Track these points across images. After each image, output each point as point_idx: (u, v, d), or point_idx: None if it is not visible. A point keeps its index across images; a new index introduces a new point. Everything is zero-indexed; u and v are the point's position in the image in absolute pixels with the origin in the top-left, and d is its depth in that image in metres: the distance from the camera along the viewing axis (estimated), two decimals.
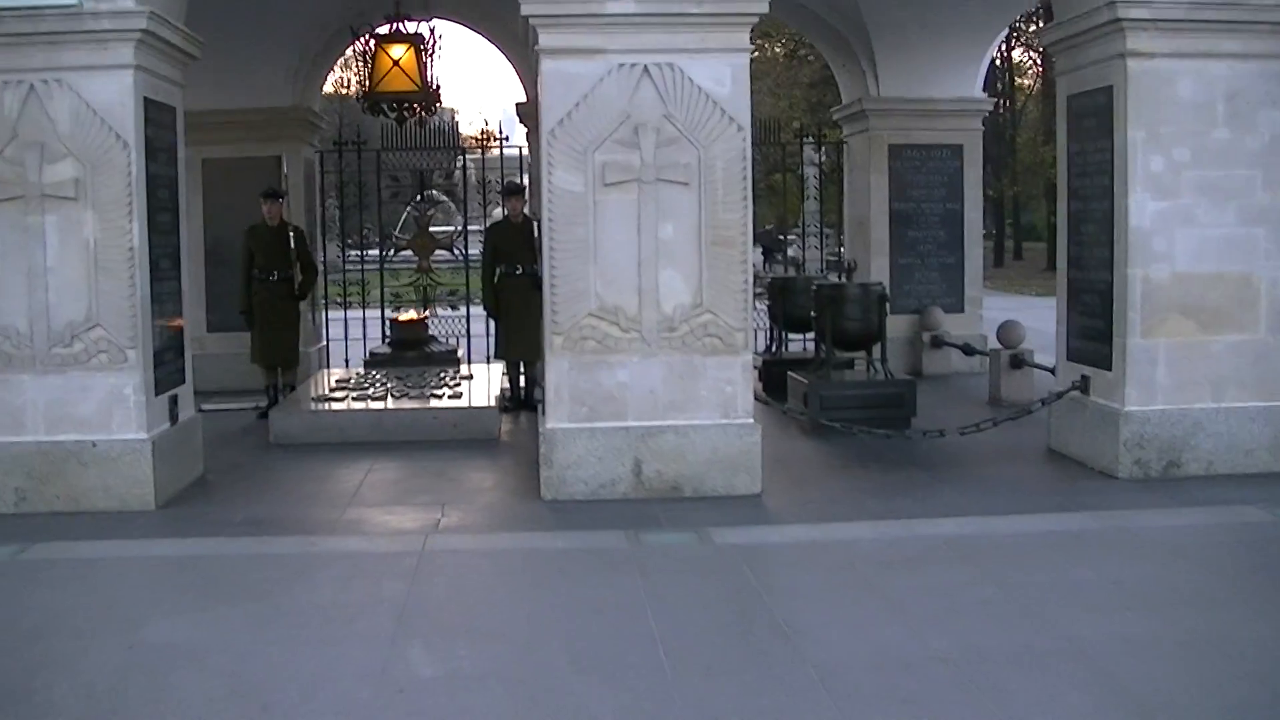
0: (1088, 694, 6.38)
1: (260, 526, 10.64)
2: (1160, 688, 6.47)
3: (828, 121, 33.60)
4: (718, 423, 11.07)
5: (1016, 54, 55.89)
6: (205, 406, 12.92)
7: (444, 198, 21.35)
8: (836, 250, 23.89)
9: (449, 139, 20.80)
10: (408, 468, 12.75)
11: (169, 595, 8.61)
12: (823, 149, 22.64)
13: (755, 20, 11.14)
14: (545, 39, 10.92)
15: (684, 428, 11.04)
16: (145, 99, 11.15)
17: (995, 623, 7.56)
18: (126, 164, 10.88)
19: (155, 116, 11.39)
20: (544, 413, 11.53)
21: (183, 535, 10.24)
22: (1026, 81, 61.31)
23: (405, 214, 23.96)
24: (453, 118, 20.35)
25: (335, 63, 21.82)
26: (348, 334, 19.10)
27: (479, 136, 19.19)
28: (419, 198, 19.37)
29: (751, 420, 11.18)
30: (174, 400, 11.80)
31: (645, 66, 10.87)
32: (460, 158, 20.34)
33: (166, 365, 11.63)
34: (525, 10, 10.88)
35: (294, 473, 12.71)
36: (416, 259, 18.75)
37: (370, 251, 21.70)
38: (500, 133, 19.10)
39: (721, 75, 10.96)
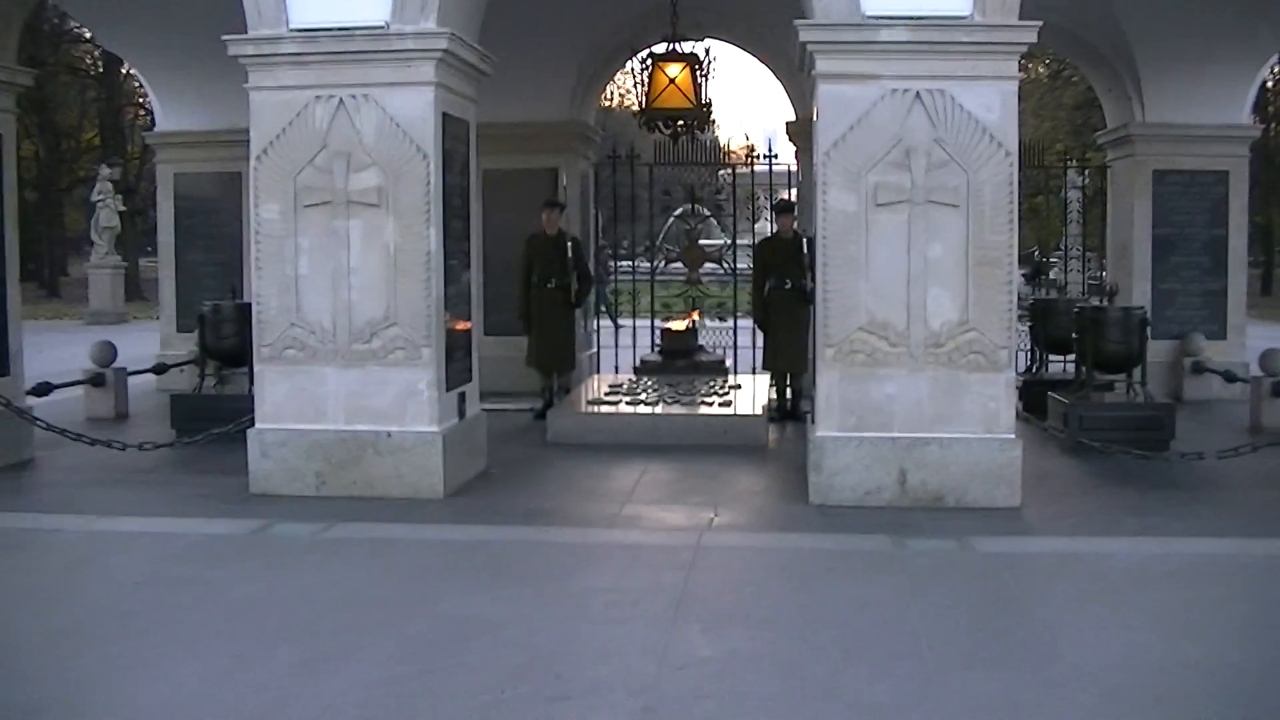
0: None
1: (542, 517, 11.34)
2: None
3: (1091, 145, 33.52)
4: (980, 437, 11.41)
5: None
6: (484, 406, 13.59)
7: (708, 212, 21.84)
8: (1097, 274, 23.91)
9: (718, 155, 21.38)
10: (680, 470, 13.31)
11: (462, 574, 9.31)
12: (1085, 173, 22.66)
13: (1024, 49, 11.45)
14: (822, 64, 11.42)
15: (947, 440, 11.41)
16: (443, 114, 11.92)
17: (1249, 637, 7.83)
18: (426, 174, 11.68)
19: (451, 130, 12.16)
20: (812, 422, 12.02)
21: (471, 522, 10.99)
22: None
23: (667, 226, 24.59)
24: (717, 134, 20.86)
25: (611, 79, 22.45)
26: (618, 341, 19.73)
27: (747, 153, 19.63)
28: (685, 211, 19.95)
29: (1013, 435, 11.50)
30: (462, 397, 12.55)
31: (917, 92, 11.28)
32: (729, 173, 20.75)
33: (456, 363, 12.38)
34: (803, 37, 11.40)
35: (571, 470, 13.38)
36: (686, 270, 19.34)
37: (641, 262, 22.32)
38: (770, 150, 19.55)
39: (991, 102, 11.32)
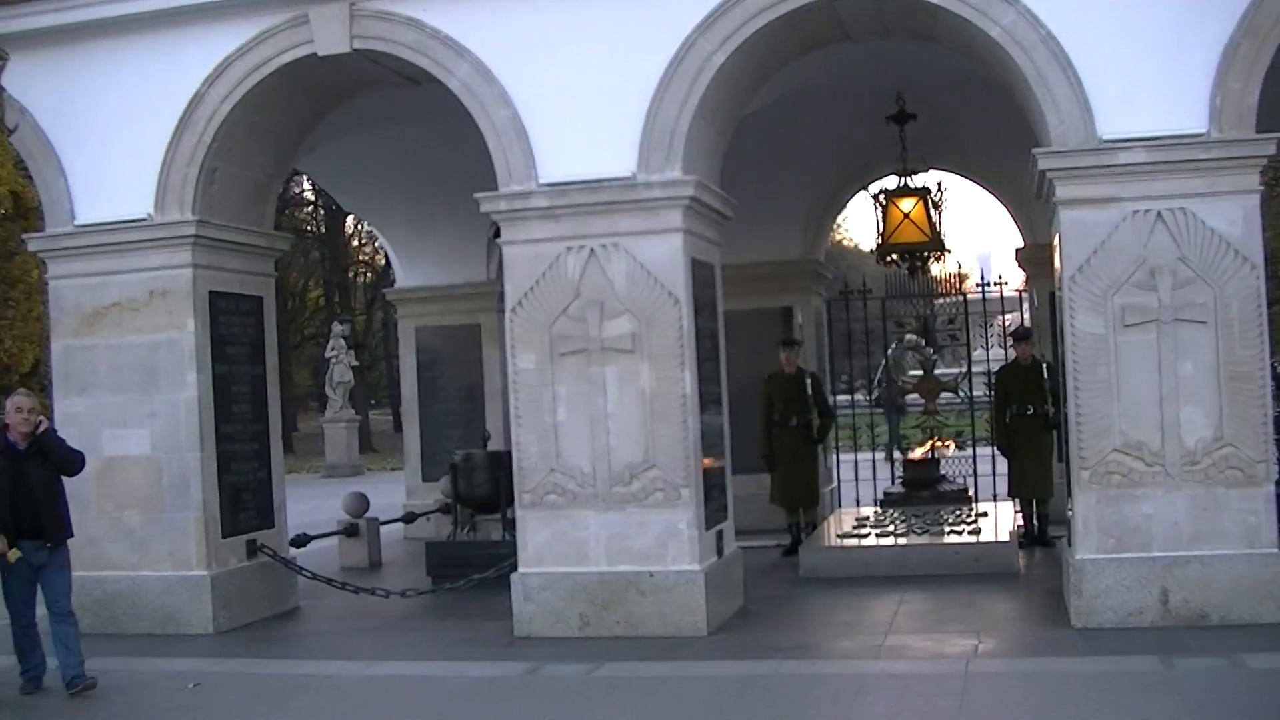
0: None
1: (807, 651, 11.50)
2: None
3: None
4: (1242, 552, 11.27)
5: None
6: None
7: (923, 342, 21.94)
8: None
9: (948, 284, 21.53)
10: (936, 599, 13.35)
11: (738, 709, 9.50)
12: None
13: (1264, 162, 11.49)
14: (1062, 191, 11.56)
15: (1208, 558, 11.29)
16: (691, 259, 12.26)
17: None
18: (678, 319, 12.02)
19: (699, 274, 12.50)
20: (1068, 545, 12.04)
21: (737, 658, 11.14)
22: None
23: (888, 356, 24.65)
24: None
25: (839, 214, 22.74)
26: (858, 474, 19.88)
27: (980, 283, 19.71)
28: (909, 341, 20.08)
29: (1277, 550, 11.35)
30: (720, 535, 12.78)
31: (1158, 212, 11.33)
32: (962, 301, 20.84)
33: (713, 502, 12.61)
34: (1042, 165, 11.56)
35: (828, 603, 13.50)
36: (923, 401, 19.42)
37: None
38: (1000, 278, 19.64)
39: (1233, 216, 11.34)
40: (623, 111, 12.14)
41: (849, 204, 22.27)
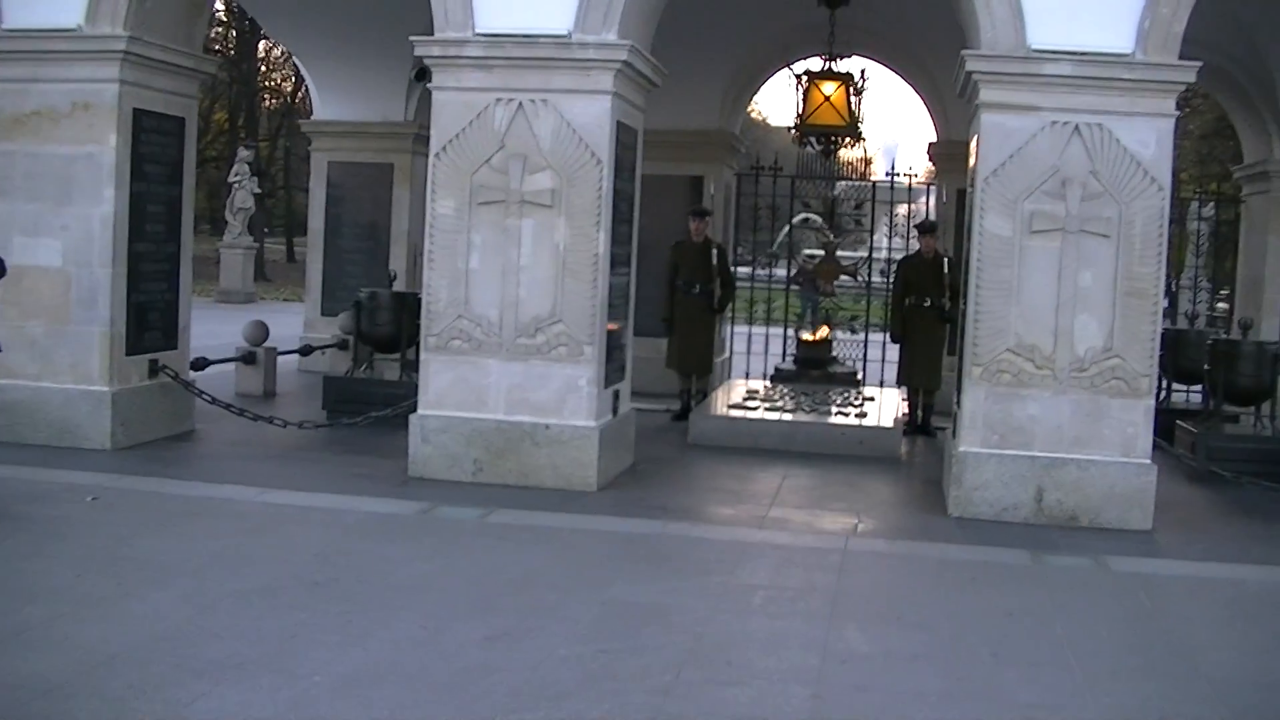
0: None
1: (693, 514, 11.89)
2: None
3: (1219, 175, 33.49)
4: (1118, 460, 11.78)
5: None
6: None
7: (822, 221, 22.22)
8: (1214, 305, 24.14)
9: (859, 170, 21.83)
10: (819, 477, 13.75)
11: (626, 564, 9.82)
12: (1212, 204, 22.81)
13: (1182, 88, 11.86)
14: (986, 94, 11.83)
15: (1085, 462, 11.78)
16: (617, 122, 12.45)
17: None
18: (598, 179, 12.21)
19: (622, 138, 12.68)
20: (953, 436, 12.46)
21: (627, 515, 11.48)
22: None
23: (783, 234, 24.90)
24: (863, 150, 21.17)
25: (758, 90, 22.91)
26: (750, 348, 20.15)
27: (889, 171, 19.97)
28: (809, 221, 20.38)
29: (1149, 461, 11.87)
30: (616, 394, 13.09)
31: (1076, 125, 11.66)
32: (870, 187, 21.17)
33: (613, 361, 12.90)
34: (970, 66, 11.82)
35: (715, 471, 13.88)
36: (820, 283, 19.76)
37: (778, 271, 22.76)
38: (910, 169, 19.92)
39: (1147, 138, 11.69)
40: None
41: (768, 81, 22.42)
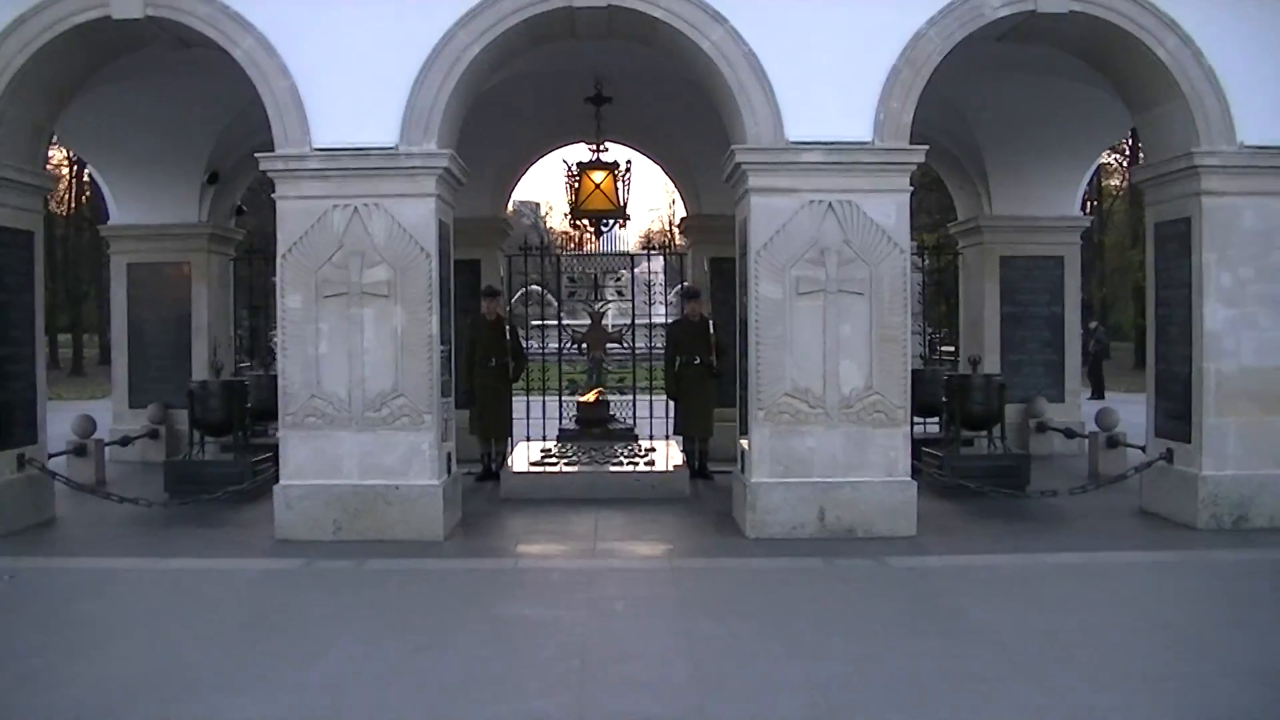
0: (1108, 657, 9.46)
1: (531, 553, 13.88)
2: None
3: (927, 224, 36.18)
4: (884, 480, 14.11)
5: (1103, 157, 58.14)
6: None
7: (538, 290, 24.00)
8: (937, 346, 26.71)
9: (619, 247, 23.93)
10: (626, 516, 15.71)
11: (498, 591, 11.73)
12: (924, 254, 25.16)
13: (914, 167, 14.33)
14: (754, 180, 14.08)
15: (858, 483, 14.07)
16: (438, 219, 14.35)
17: (1098, 612, 10.67)
18: (428, 270, 14.12)
19: (442, 232, 14.57)
20: (744, 471, 14.60)
21: (479, 556, 13.51)
22: (1114, 182, 63.22)
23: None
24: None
25: (523, 177, 24.58)
26: (529, 413, 21.87)
27: (646, 246, 22.03)
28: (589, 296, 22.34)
29: (909, 478, 14.25)
30: (449, 455, 14.90)
31: (830, 203, 14.01)
32: (630, 263, 23.17)
33: (444, 426, 14.69)
34: (739, 158, 14.08)
35: (534, 518, 15.74)
36: (589, 349, 21.59)
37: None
38: (670, 242, 21.99)
39: (888, 209, 14.09)
40: (389, 88, 14.05)
41: (533, 168, 24.31)
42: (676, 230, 23.62)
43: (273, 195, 14.38)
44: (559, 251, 21.64)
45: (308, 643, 9.82)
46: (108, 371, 26.95)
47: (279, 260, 14.28)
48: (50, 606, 11.31)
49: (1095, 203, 55.48)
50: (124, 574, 12.62)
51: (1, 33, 14.25)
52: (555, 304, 22.69)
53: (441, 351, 14.67)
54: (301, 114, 14.09)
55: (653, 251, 22.03)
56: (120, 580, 12.34)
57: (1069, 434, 20.99)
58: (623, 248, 30.28)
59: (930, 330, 27.62)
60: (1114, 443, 18.90)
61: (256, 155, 14.40)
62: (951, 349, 25.50)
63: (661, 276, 27.03)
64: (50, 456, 16.75)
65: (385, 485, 14.15)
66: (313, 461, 14.21)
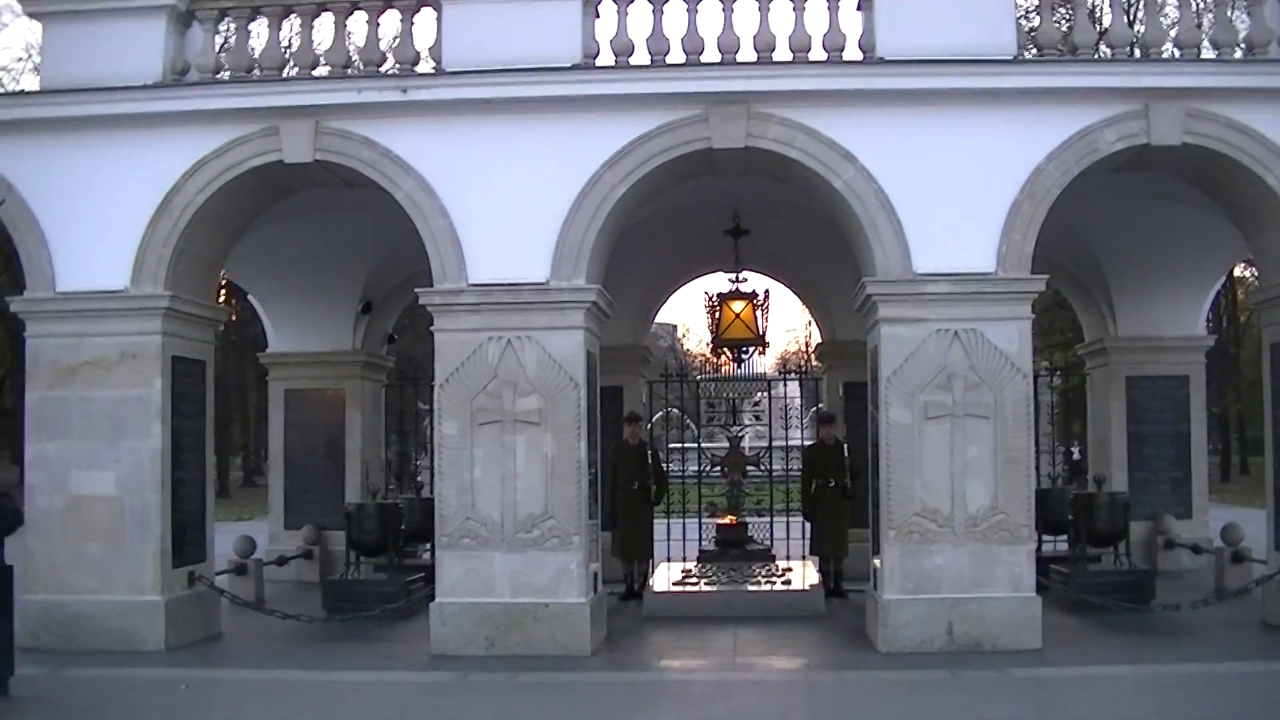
0: None
1: (674, 666, 14.59)
2: None
3: (1059, 344, 36.50)
4: (1010, 595, 14.66)
5: (1239, 270, 57.94)
6: None
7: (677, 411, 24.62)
8: (1067, 464, 27.07)
9: (755, 371, 24.66)
10: (763, 633, 16.30)
11: (645, 701, 12.71)
12: (1053, 375, 25.57)
13: (1035, 295, 15.10)
14: (883, 310, 14.90)
15: (984, 599, 14.64)
16: (586, 350, 15.26)
17: (1225, 715, 11.43)
18: (577, 399, 15.02)
19: (590, 362, 15.46)
20: (876, 588, 15.23)
21: (624, 670, 14.40)
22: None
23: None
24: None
25: (664, 306, 25.50)
26: (669, 534, 22.43)
27: (782, 370, 22.71)
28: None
29: (1034, 593, 14.79)
30: (595, 574, 15.65)
31: (956, 331, 14.75)
32: (767, 387, 23.86)
33: (590, 547, 15.48)
34: (869, 290, 14.93)
35: (676, 634, 16.37)
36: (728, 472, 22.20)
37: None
38: (807, 368, 22.66)
39: (1011, 336, 14.82)
40: (540, 227, 15.02)
41: (673, 297, 25.28)
42: (812, 354, 24.00)
43: (431, 328, 15.34)
44: (699, 376, 22.21)
45: None
46: (252, 493, 27.68)
47: (436, 389, 15.22)
48: (227, 713, 12.26)
49: (1228, 319, 55.36)
50: (291, 684, 13.56)
51: (183, 175, 15.42)
52: (693, 428, 23.29)
53: (589, 476, 15.41)
54: (459, 251, 15.08)
55: (789, 376, 22.68)
56: (288, 689, 13.30)
57: (1195, 549, 21.28)
58: (760, 371, 30.98)
59: (1071, 448, 27.95)
60: (1239, 557, 19.23)
61: (417, 290, 15.40)
62: (1066, 468, 25.89)
63: (798, 400, 27.67)
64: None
65: (535, 603, 14.87)
66: (466, 580, 14.99)
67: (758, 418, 24.31)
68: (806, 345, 58.77)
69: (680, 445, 26.95)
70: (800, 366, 23.01)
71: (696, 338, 78.74)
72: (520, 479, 14.99)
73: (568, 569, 14.95)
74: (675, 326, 78.85)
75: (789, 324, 63.17)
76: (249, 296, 24.26)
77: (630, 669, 14.37)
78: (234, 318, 59.82)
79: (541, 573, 14.94)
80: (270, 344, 23.57)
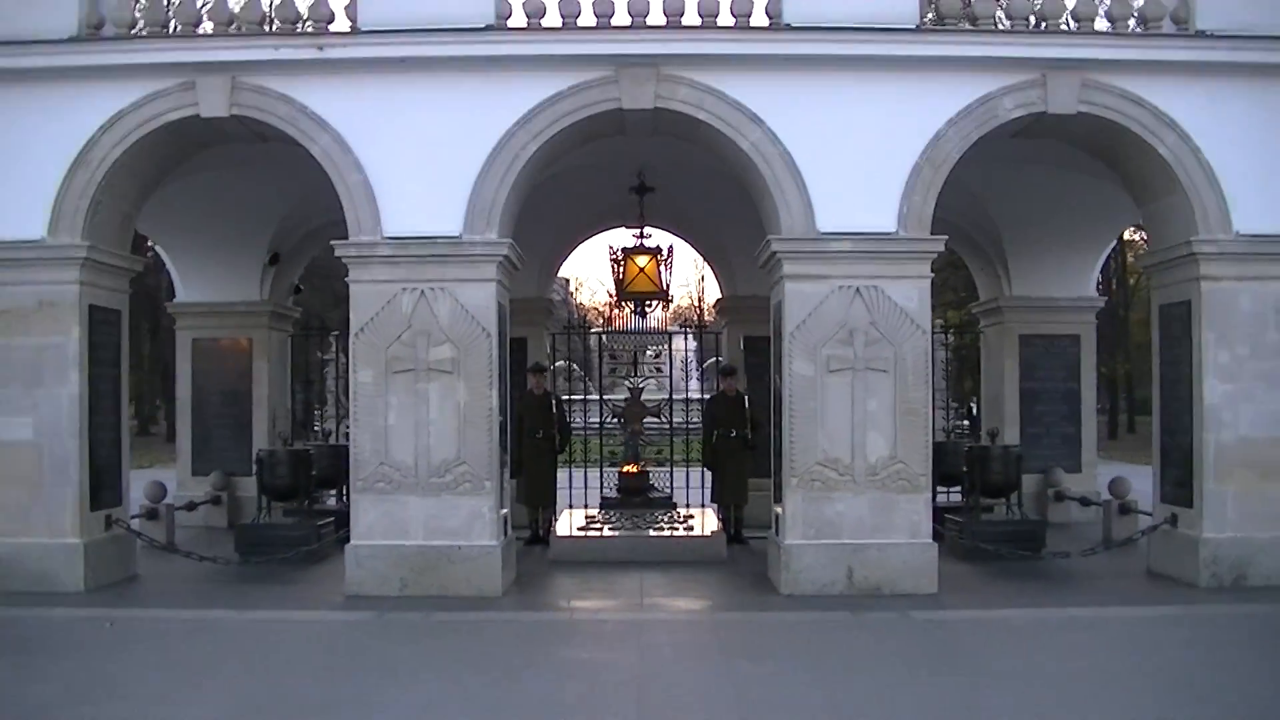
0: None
1: (584, 607, 15.14)
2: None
3: (951, 302, 37.12)
4: (907, 541, 15.30)
5: (1128, 233, 58.81)
6: None
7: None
8: (958, 421, 27.74)
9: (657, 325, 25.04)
10: (668, 577, 16.83)
11: (559, 639, 13.07)
12: (947, 333, 26.17)
13: (934, 255, 15.61)
14: (788, 267, 15.41)
15: (883, 545, 15.26)
16: (498, 302, 15.66)
17: (1112, 662, 11.88)
18: (489, 349, 15.43)
19: (501, 314, 15.87)
20: (778, 534, 15.79)
21: (537, 610, 14.74)
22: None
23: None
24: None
25: (567, 259, 25.98)
26: (571, 483, 22.75)
27: (685, 324, 23.11)
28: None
29: (930, 540, 15.44)
30: (505, 518, 16.09)
31: (857, 288, 15.31)
32: (668, 340, 24.27)
33: (501, 492, 15.94)
34: (774, 247, 15.40)
35: (584, 578, 16.90)
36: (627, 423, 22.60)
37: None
38: (700, 320, 23.05)
39: (911, 294, 15.38)
40: (454, 183, 15.38)
41: (576, 251, 25.77)
42: (709, 309, 24.45)
43: (346, 279, 15.68)
44: (600, 330, 22.61)
45: (393, 678, 11.07)
46: (148, 441, 27.56)
47: (351, 338, 15.56)
48: (151, 649, 12.60)
49: (1118, 281, 56.41)
50: (213, 623, 13.87)
51: (100, 128, 15.62)
52: (591, 380, 23.64)
53: (499, 423, 15.84)
54: (374, 205, 15.41)
55: (690, 330, 23.11)
56: (209, 628, 13.60)
57: (1084, 502, 21.95)
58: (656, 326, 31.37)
59: (972, 404, 28.57)
60: (1126, 509, 20.00)
61: (333, 242, 15.69)
62: (966, 424, 26.56)
63: (696, 353, 28.17)
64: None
65: (449, 545, 15.32)
66: (381, 523, 15.40)
67: (659, 369, 24.58)
68: (700, 300, 58.93)
69: (583, 398, 27.19)
70: (694, 320, 23.17)
71: (590, 291, 78.93)
72: (434, 426, 15.37)
73: (480, 513, 15.39)
74: (568, 280, 79.11)
75: (684, 279, 63.53)
76: (155, 247, 24.28)
77: (542, 609, 14.78)
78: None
79: (455, 516, 15.36)
80: (178, 294, 23.68)
